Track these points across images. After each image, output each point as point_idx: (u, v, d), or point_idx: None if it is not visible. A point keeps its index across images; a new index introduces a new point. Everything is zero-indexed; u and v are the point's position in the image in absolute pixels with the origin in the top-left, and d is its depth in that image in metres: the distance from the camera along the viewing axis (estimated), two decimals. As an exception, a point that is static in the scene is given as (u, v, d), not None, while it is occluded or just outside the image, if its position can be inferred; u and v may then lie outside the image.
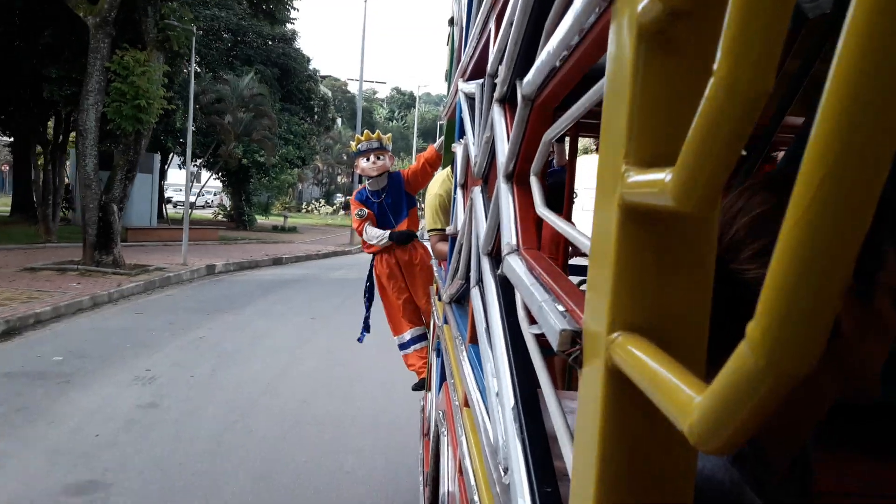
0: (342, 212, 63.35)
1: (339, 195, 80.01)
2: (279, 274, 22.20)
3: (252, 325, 13.34)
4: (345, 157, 70.67)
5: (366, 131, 8.02)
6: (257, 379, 9.56)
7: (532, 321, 1.57)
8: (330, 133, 62.16)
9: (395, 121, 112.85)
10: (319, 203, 66.24)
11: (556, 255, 6.14)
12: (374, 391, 9.41)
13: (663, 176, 0.75)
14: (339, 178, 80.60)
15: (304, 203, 70.94)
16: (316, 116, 46.79)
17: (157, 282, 17.40)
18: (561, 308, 1.19)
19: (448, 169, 6.14)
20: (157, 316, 13.75)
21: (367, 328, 8.20)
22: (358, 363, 10.63)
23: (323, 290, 18.80)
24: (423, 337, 7.59)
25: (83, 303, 14.01)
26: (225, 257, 23.78)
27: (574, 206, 6.35)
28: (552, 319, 1.16)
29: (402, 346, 7.67)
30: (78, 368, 9.72)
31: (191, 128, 22.27)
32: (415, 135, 66.56)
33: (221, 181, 42.44)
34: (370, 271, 7.94)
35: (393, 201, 7.77)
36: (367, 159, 7.80)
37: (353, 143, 7.94)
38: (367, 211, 7.75)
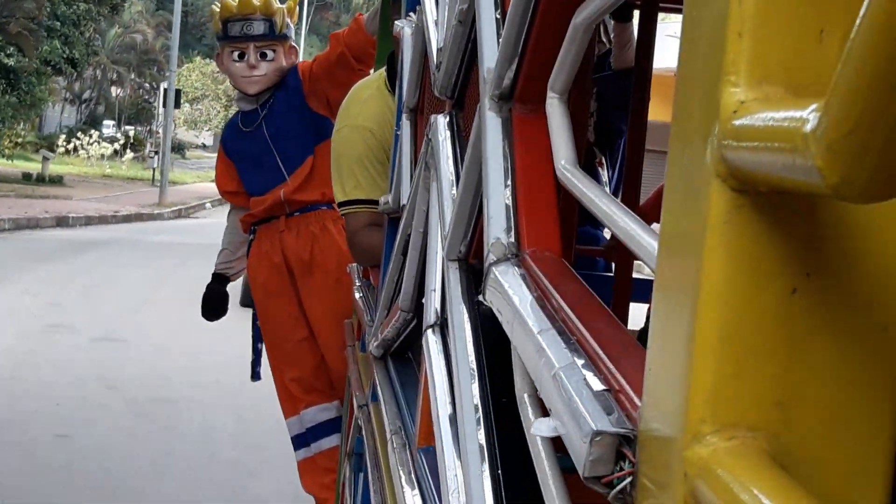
0: (128, 154, 38.88)
1: (109, 124, 48.75)
2: (76, 236, 17.52)
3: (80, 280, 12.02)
4: (133, 55, 47.75)
5: None
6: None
7: (541, 408, 0.81)
8: (117, 16, 38.14)
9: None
10: (86, 138, 37.88)
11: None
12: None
13: (804, 115, 0.40)
14: (114, 92, 50.93)
15: (55, 136, 40.33)
16: None
17: None
18: (598, 383, 0.63)
19: (381, 72, 3.24)
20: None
21: (255, 374, 4.54)
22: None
23: (150, 252, 15.79)
24: (333, 426, 4.12)
25: None
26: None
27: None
28: (579, 407, 0.62)
29: (296, 442, 4.23)
30: None
31: None
32: (305, 26, 46.81)
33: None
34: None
35: (281, 129, 4.22)
36: (240, 55, 4.21)
37: (212, 9, 4.42)
38: (226, 164, 4.46)
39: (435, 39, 1.80)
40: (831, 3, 0.49)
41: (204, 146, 61.67)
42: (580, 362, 0.66)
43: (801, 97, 0.46)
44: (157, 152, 33.38)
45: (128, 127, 51.26)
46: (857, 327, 0.47)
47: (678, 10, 3.31)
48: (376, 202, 2.86)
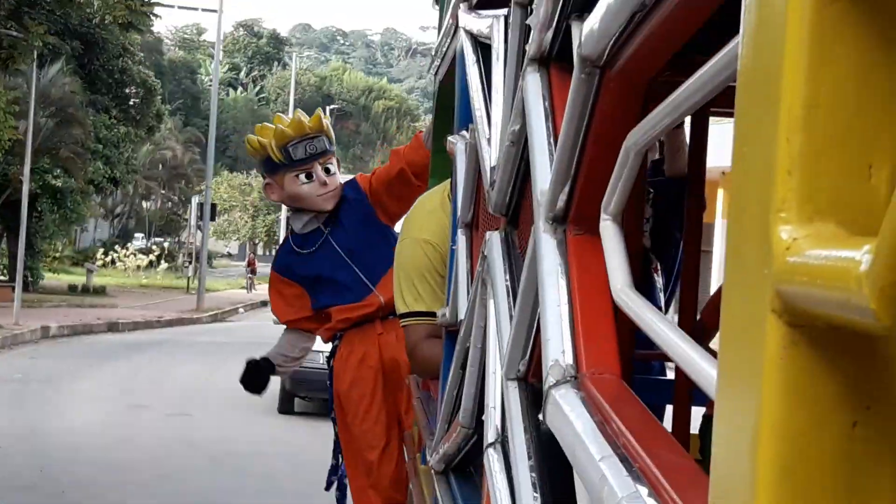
0: (163, 265, 40.92)
1: (139, 236, 53.27)
2: (128, 339, 19.54)
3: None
4: (162, 170, 49.31)
5: (296, 113, 4.41)
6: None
7: None
8: (153, 137, 39.46)
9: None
10: (123, 251, 40.40)
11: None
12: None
13: (858, 256, 0.42)
14: (144, 205, 53.60)
15: (91, 250, 43.35)
16: (133, 112, 29.96)
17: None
18: None
19: (446, 186, 3.19)
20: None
21: (329, 483, 4.51)
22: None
23: (196, 350, 17.82)
24: None
25: None
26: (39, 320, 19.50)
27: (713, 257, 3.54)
28: None
29: None
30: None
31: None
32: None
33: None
34: (329, 378, 4.37)
35: (354, 241, 4.24)
36: (307, 175, 4.16)
37: (256, 141, 4.29)
38: (291, 289, 4.40)
39: (488, 157, 1.82)
40: (879, 137, 0.50)
41: (230, 255, 65.67)
42: (643, 491, 0.66)
43: (853, 234, 0.47)
44: (190, 262, 35.90)
45: (157, 239, 54.25)
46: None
47: (729, 114, 3.33)
48: (432, 314, 2.88)
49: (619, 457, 0.72)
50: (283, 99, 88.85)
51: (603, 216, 0.97)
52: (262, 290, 33.48)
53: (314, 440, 8.82)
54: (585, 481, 0.76)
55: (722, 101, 3.10)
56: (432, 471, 2.23)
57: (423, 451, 2.76)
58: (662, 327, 0.76)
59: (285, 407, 11.59)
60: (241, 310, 29.72)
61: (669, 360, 3.40)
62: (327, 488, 4.44)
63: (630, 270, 0.91)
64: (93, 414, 10.61)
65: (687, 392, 2.91)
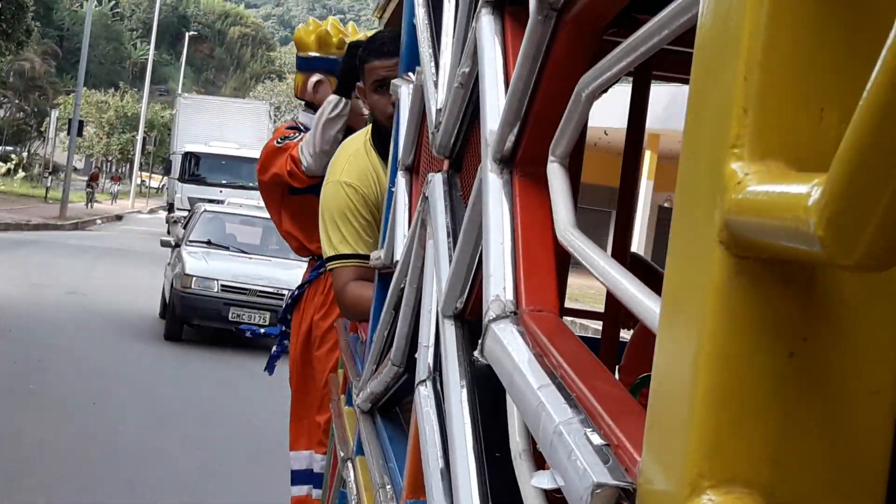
0: (20, 173, 43.58)
1: None
2: (2, 238, 21.16)
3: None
4: (19, 80, 50.65)
5: (330, 19, 4.20)
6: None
7: (539, 461, 0.83)
8: (21, 51, 38.87)
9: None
10: None
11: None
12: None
13: (807, 189, 0.43)
14: None
15: None
16: (4, 26, 29.76)
17: None
18: (598, 438, 0.65)
19: (367, 130, 3.23)
20: None
21: (271, 368, 4.64)
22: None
23: (70, 250, 20.38)
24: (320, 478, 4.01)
25: None
26: None
27: (636, 217, 3.74)
28: (579, 461, 0.63)
29: (298, 477, 4.15)
30: None
31: None
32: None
33: None
34: (295, 297, 4.25)
35: None
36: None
37: (305, 38, 4.06)
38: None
39: (434, 100, 1.83)
40: (832, 82, 0.52)
41: (76, 169, 66.73)
42: (580, 417, 0.67)
43: (803, 171, 0.48)
44: (51, 173, 40.75)
45: (8, 147, 56.53)
46: (849, 391, 0.49)
47: (670, 79, 3.38)
48: (361, 256, 2.91)
49: (557, 386, 0.74)
50: (137, 16, 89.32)
51: (550, 158, 0.99)
52: (104, 207, 40.39)
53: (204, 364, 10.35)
54: (522, 409, 0.78)
55: (666, 65, 3.17)
56: (357, 410, 2.25)
57: (348, 392, 2.78)
58: (605, 265, 0.78)
59: (173, 333, 11.72)
60: (98, 221, 33.54)
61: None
62: (267, 370, 4.58)
63: (574, 211, 0.93)
64: (7, 289, 13.33)
65: (614, 347, 2.97)
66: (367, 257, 2.86)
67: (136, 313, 13.15)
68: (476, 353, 1.13)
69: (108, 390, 8.30)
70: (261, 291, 11.66)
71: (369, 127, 3.21)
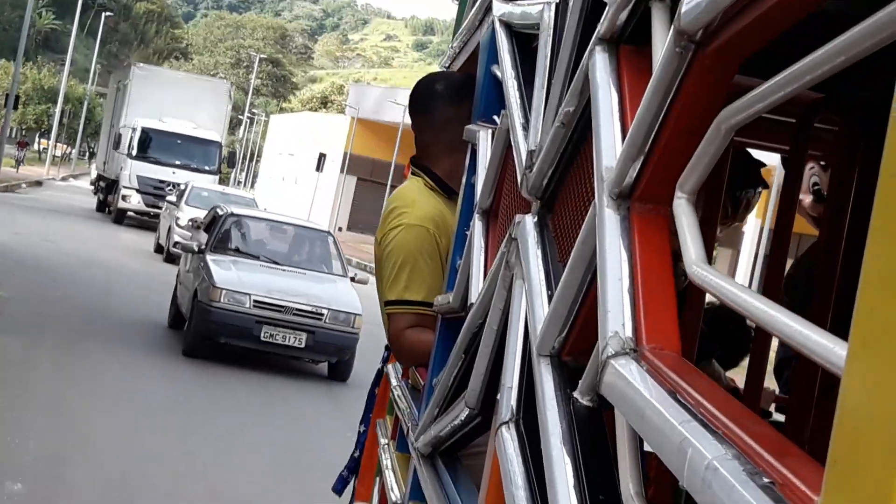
0: None
1: None
2: None
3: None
4: None
5: None
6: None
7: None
8: None
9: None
10: None
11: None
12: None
13: None
14: None
15: None
16: None
17: None
18: (762, 475, 0.58)
19: (420, 179, 3.15)
20: None
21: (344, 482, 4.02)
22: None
23: (12, 208, 23.82)
24: None
25: None
26: None
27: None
28: (745, 498, 0.57)
29: None
30: None
31: None
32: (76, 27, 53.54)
33: None
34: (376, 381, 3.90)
35: None
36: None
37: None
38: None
39: (523, 142, 1.81)
40: None
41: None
42: (733, 452, 0.63)
43: None
44: None
45: None
46: None
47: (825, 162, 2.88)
48: (423, 304, 2.85)
49: (700, 422, 0.69)
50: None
51: (678, 194, 0.94)
52: (24, 172, 45.06)
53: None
54: (660, 447, 0.72)
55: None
56: (415, 455, 2.20)
57: (399, 437, 2.72)
58: (745, 297, 0.74)
59: (193, 349, 10.31)
60: (23, 185, 37.02)
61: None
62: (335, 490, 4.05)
63: (704, 248, 0.88)
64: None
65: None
66: (425, 303, 2.83)
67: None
68: (576, 393, 1.10)
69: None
70: (298, 310, 10.26)
71: (419, 179, 3.14)
